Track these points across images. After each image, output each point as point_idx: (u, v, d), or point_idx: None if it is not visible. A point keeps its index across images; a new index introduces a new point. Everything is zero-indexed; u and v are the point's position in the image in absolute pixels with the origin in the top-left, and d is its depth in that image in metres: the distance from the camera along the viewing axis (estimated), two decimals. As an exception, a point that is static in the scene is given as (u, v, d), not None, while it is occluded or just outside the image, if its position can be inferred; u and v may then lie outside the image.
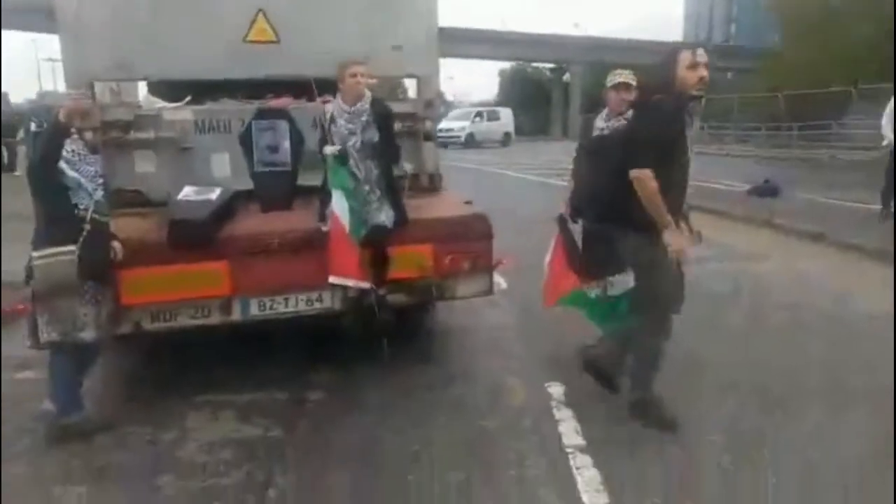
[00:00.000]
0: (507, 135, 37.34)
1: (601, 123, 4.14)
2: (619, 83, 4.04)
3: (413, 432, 3.53)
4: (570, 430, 3.50)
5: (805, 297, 5.98)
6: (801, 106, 24.78)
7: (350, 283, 3.92)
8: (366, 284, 3.95)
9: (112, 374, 4.33)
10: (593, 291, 4.16)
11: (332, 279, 3.90)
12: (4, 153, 19.27)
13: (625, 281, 3.96)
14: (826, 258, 7.63)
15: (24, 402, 4.00)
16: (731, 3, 65.98)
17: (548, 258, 4.33)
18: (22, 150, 19.61)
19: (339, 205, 3.88)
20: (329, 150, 3.95)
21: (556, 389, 4.02)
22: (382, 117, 4.08)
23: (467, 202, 4.60)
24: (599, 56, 50.49)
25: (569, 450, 3.31)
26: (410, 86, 5.54)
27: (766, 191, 11.84)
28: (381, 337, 4.19)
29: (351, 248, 3.91)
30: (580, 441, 3.39)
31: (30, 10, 35.20)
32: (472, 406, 3.84)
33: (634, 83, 4.04)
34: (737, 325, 5.24)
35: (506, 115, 38.75)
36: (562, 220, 4.30)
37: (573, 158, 4.44)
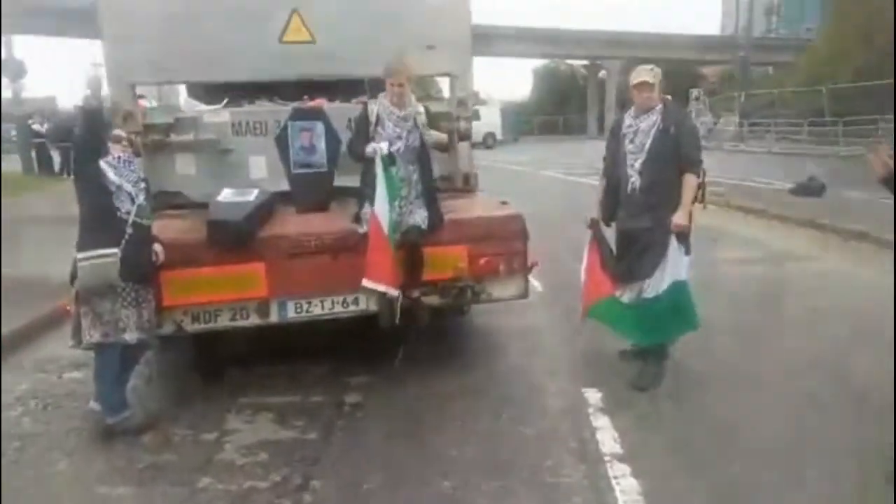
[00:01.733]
0: (489, 135, 34.12)
1: (629, 121, 4.06)
2: (640, 83, 3.93)
3: (449, 437, 3.50)
4: (607, 438, 3.43)
5: (847, 298, 5.75)
6: (845, 100, 24.00)
7: (381, 288, 3.90)
8: (395, 292, 3.91)
9: (155, 375, 4.39)
10: (626, 296, 4.08)
11: (365, 283, 3.89)
12: (56, 157, 19.91)
13: (659, 281, 3.90)
14: (872, 258, 7.35)
15: (71, 401, 4.11)
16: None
17: (584, 264, 4.26)
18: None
19: (381, 207, 3.84)
20: (371, 148, 3.91)
21: (594, 395, 3.95)
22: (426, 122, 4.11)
23: (503, 202, 4.55)
24: (634, 52, 49.80)
25: (606, 458, 3.24)
26: (444, 84, 5.52)
27: (811, 189, 11.51)
28: (416, 339, 4.17)
29: (387, 251, 3.89)
30: (618, 449, 3.32)
31: (78, 16, 36.45)
32: (509, 410, 3.80)
33: (656, 81, 3.93)
34: (776, 329, 5.07)
35: (490, 113, 35.15)
36: (594, 224, 4.22)
37: (603, 157, 4.34)
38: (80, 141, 3.60)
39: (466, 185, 5.02)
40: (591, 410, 3.76)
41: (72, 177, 14.20)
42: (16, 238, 9.36)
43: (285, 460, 3.30)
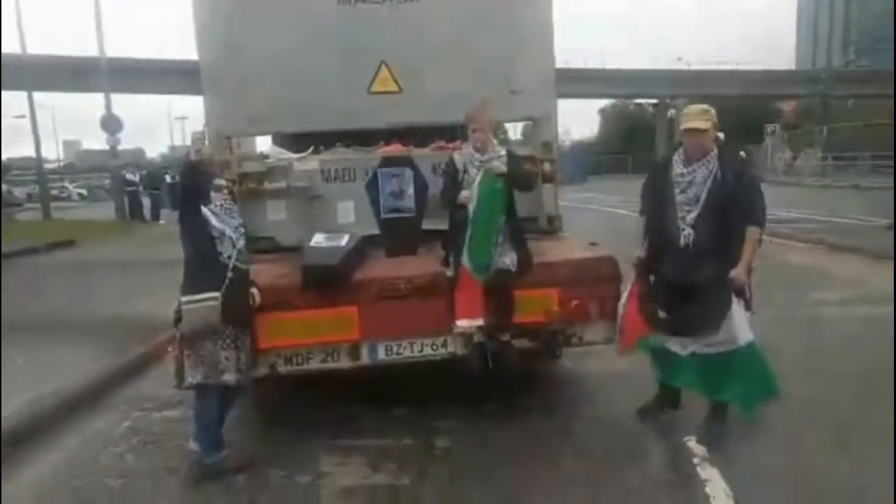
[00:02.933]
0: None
1: (680, 168, 3.71)
2: (692, 128, 3.62)
3: (545, 485, 3.39)
4: (719, 492, 3.23)
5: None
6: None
7: (474, 323, 3.90)
8: (479, 321, 3.90)
9: (251, 415, 4.49)
10: (671, 345, 3.84)
11: (458, 323, 3.87)
12: (147, 204, 21.21)
13: (732, 336, 3.64)
14: None
15: (170, 440, 4.23)
16: (849, 25, 62.34)
17: (623, 300, 3.99)
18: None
19: (468, 246, 3.88)
20: (464, 195, 3.99)
21: (698, 446, 3.74)
22: (514, 163, 4.13)
23: (592, 244, 4.48)
24: (704, 89, 49.00)
25: (720, 514, 3.05)
26: (513, 127, 5.56)
27: (910, 225, 10.83)
28: (507, 382, 4.10)
29: (477, 289, 3.89)
30: (732, 504, 3.11)
31: (165, 74, 39.21)
32: (608, 458, 3.66)
33: (710, 124, 3.62)
34: (877, 375, 4.72)
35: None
36: (640, 265, 3.93)
37: (642, 198, 4.02)
38: (185, 190, 3.78)
39: (551, 227, 4.99)
40: (696, 461, 3.57)
41: (161, 222, 15.17)
42: (110, 280, 9.92)
43: (379, 506, 3.28)
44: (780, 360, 3.88)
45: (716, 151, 3.64)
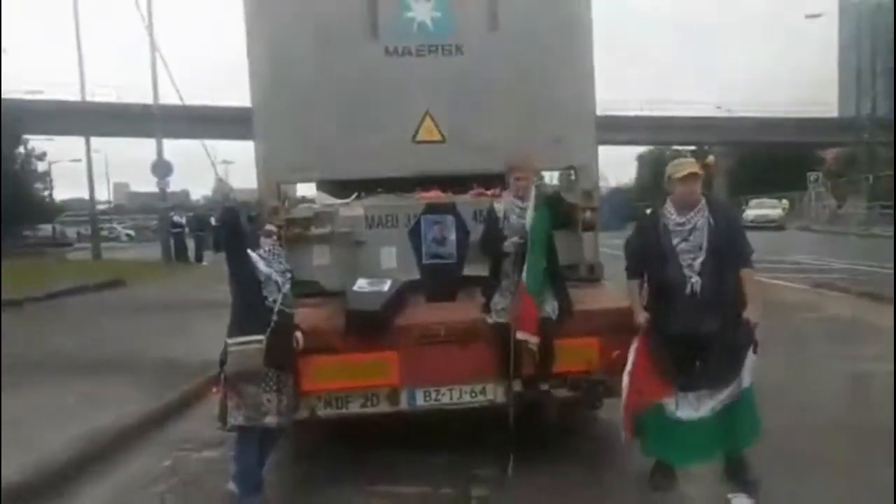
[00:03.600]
0: None
1: (675, 217, 3.71)
2: (688, 175, 3.65)
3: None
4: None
5: None
6: None
7: (529, 338, 3.91)
8: (535, 339, 3.91)
9: (290, 458, 4.51)
10: (682, 409, 3.68)
11: (519, 335, 3.90)
12: (192, 245, 21.80)
13: (737, 385, 3.60)
14: None
15: (210, 480, 4.27)
16: (893, 72, 61.52)
17: (628, 367, 3.80)
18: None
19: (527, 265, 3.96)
20: (510, 243, 4.03)
21: (742, 502, 3.62)
22: (554, 211, 4.16)
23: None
24: (744, 136, 48.62)
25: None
26: (549, 175, 5.60)
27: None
28: (545, 432, 4.05)
29: (534, 307, 3.93)
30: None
31: (213, 120, 40.71)
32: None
33: (701, 172, 3.70)
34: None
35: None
36: (649, 325, 3.79)
37: (631, 256, 3.98)
38: (231, 235, 3.90)
39: (592, 275, 4.97)
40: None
41: (204, 263, 15.51)
42: (157, 320, 10.17)
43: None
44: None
45: (703, 199, 3.73)
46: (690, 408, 3.68)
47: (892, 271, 10.59)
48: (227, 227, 3.90)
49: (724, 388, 3.64)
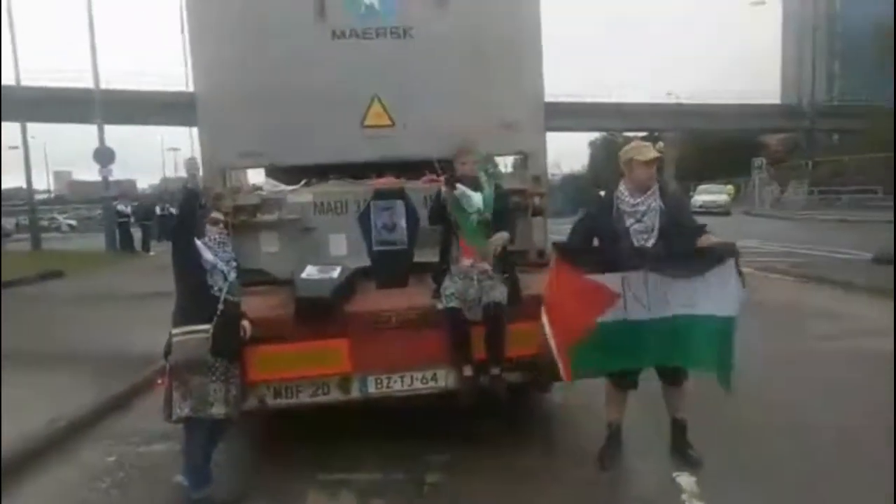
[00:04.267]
0: None
1: (630, 199, 3.80)
2: (651, 159, 3.76)
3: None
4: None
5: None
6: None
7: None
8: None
9: (239, 449, 4.44)
10: (634, 311, 3.58)
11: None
12: (138, 235, 21.20)
13: (691, 300, 3.56)
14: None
15: (157, 473, 4.17)
16: (833, 59, 63.75)
17: (546, 301, 3.74)
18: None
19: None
20: (460, 190, 4.05)
21: (686, 479, 3.74)
22: (500, 198, 4.20)
23: None
24: (691, 123, 49.73)
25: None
26: (503, 161, 5.61)
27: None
28: (496, 417, 4.09)
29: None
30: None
31: (158, 106, 39.50)
32: (597, 495, 3.65)
33: (657, 156, 3.81)
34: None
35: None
36: (560, 248, 3.84)
37: (574, 235, 4.03)
38: (181, 221, 3.80)
39: (541, 260, 5.01)
40: (684, 497, 3.56)
41: (150, 253, 15.17)
42: (99, 311, 9.85)
43: (368, 543, 3.24)
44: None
45: (657, 182, 3.83)
46: (640, 307, 3.62)
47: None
48: (181, 212, 3.80)
49: (683, 284, 3.56)
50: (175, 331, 3.60)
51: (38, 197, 31.67)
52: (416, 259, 4.63)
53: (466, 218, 4.09)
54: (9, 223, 40.78)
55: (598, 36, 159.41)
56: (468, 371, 4.00)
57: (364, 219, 4.62)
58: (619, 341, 3.62)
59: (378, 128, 4.84)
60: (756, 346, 5.28)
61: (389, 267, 4.56)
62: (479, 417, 4.18)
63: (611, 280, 3.63)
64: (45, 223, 35.92)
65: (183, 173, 4.46)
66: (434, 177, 4.94)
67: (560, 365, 3.71)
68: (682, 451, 3.96)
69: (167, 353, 3.63)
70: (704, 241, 3.68)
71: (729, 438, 4.24)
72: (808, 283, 10.41)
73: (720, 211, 28.47)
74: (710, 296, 3.57)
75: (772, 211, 30.20)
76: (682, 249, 3.68)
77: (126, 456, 4.55)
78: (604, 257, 3.78)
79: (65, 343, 7.60)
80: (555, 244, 3.95)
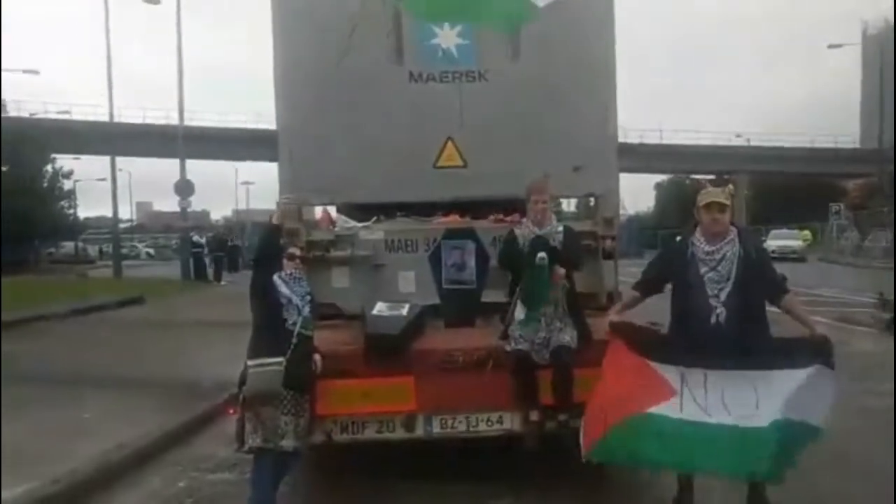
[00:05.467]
0: None
1: (705, 246, 3.62)
2: (713, 203, 3.60)
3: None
4: None
5: None
6: None
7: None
8: None
9: (305, 482, 4.47)
10: (689, 411, 3.35)
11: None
12: (210, 266, 22.03)
13: (767, 405, 3.29)
14: None
15: (223, 501, 4.25)
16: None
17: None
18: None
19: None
20: (541, 255, 3.91)
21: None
22: (570, 239, 4.17)
23: (652, 323, 4.39)
24: (763, 166, 48.31)
25: None
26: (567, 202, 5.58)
27: None
28: (562, 462, 3.99)
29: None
30: None
31: (235, 142, 41.45)
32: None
33: (730, 201, 3.67)
34: None
35: None
36: (618, 328, 3.72)
37: (645, 277, 3.92)
38: (262, 256, 3.93)
39: (611, 304, 4.92)
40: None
41: (222, 283, 15.64)
42: (175, 338, 10.23)
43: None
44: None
45: (734, 229, 3.67)
46: (697, 408, 3.41)
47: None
48: (264, 246, 3.94)
49: (745, 385, 3.35)
50: (250, 362, 3.69)
51: (121, 226, 33.45)
52: (485, 299, 4.64)
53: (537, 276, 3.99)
54: (93, 250, 43.25)
55: (672, 74, 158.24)
56: (535, 416, 3.94)
57: (434, 257, 4.67)
58: (667, 438, 3.37)
59: (450, 168, 4.92)
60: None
61: (458, 306, 4.59)
62: (544, 461, 4.08)
63: (669, 373, 3.50)
64: (124, 250, 37.88)
65: (254, 206, 4.65)
66: (501, 216, 4.97)
67: (582, 435, 3.55)
68: None
69: (241, 383, 3.72)
70: (794, 324, 3.50)
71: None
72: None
73: (795, 257, 27.32)
74: (798, 398, 3.30)
75: (850, 259, 28.79)
76: (762, 338, 3.53)
77: (195, 482, 4.65)
78: (661, 340, 3.69)
79: (144, 368, 7.90)
80: (611, 322, 3.77)
